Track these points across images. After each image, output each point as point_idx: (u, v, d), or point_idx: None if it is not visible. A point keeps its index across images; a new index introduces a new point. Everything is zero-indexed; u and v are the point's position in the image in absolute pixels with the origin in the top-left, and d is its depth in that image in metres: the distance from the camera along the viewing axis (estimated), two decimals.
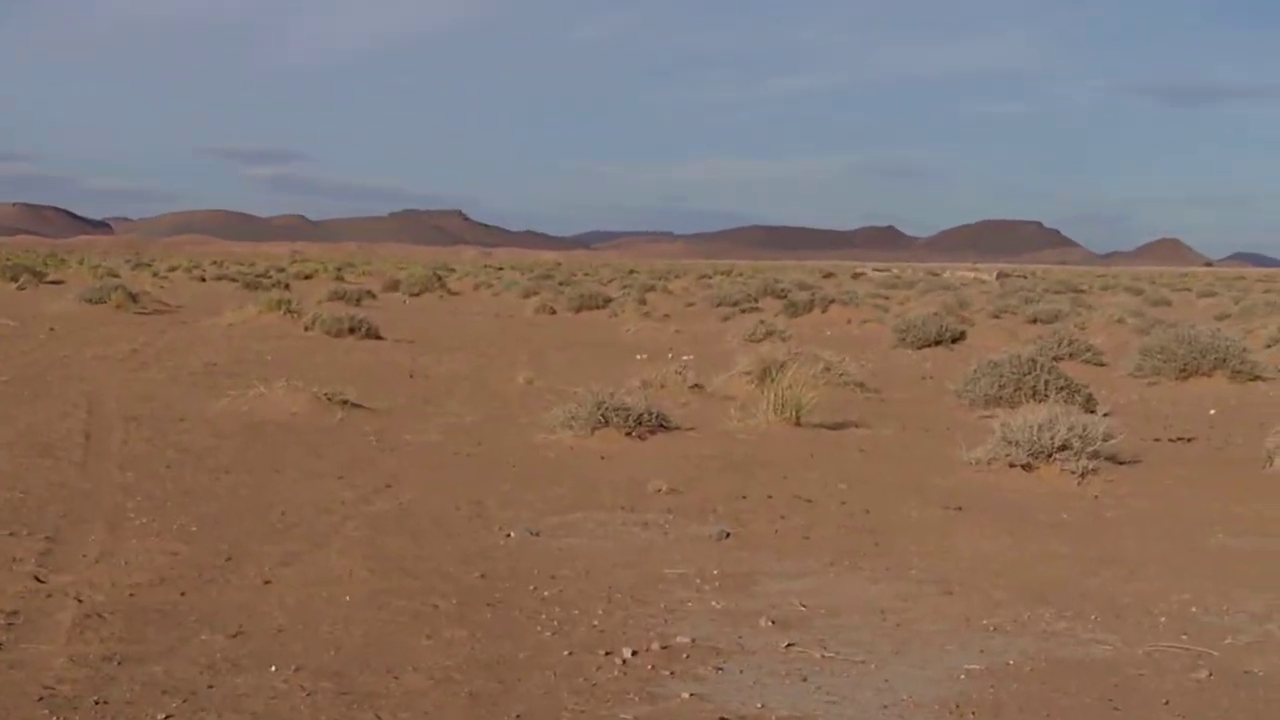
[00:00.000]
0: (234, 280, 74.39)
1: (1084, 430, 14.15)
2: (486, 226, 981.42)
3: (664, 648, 8.04)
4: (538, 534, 11.21)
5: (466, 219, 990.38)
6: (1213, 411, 21.17)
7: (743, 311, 46.21)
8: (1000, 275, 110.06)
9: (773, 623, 8.70)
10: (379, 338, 32.16)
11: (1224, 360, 24.39)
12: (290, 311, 35.44)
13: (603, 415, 15.74)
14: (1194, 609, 9.34)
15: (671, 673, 7.61)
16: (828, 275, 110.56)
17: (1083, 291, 75.60)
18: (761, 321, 34.91)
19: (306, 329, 32.49)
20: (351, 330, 31.90)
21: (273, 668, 7.39)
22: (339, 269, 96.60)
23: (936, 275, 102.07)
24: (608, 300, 49.75)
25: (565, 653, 7.91)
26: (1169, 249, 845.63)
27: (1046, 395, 18.41)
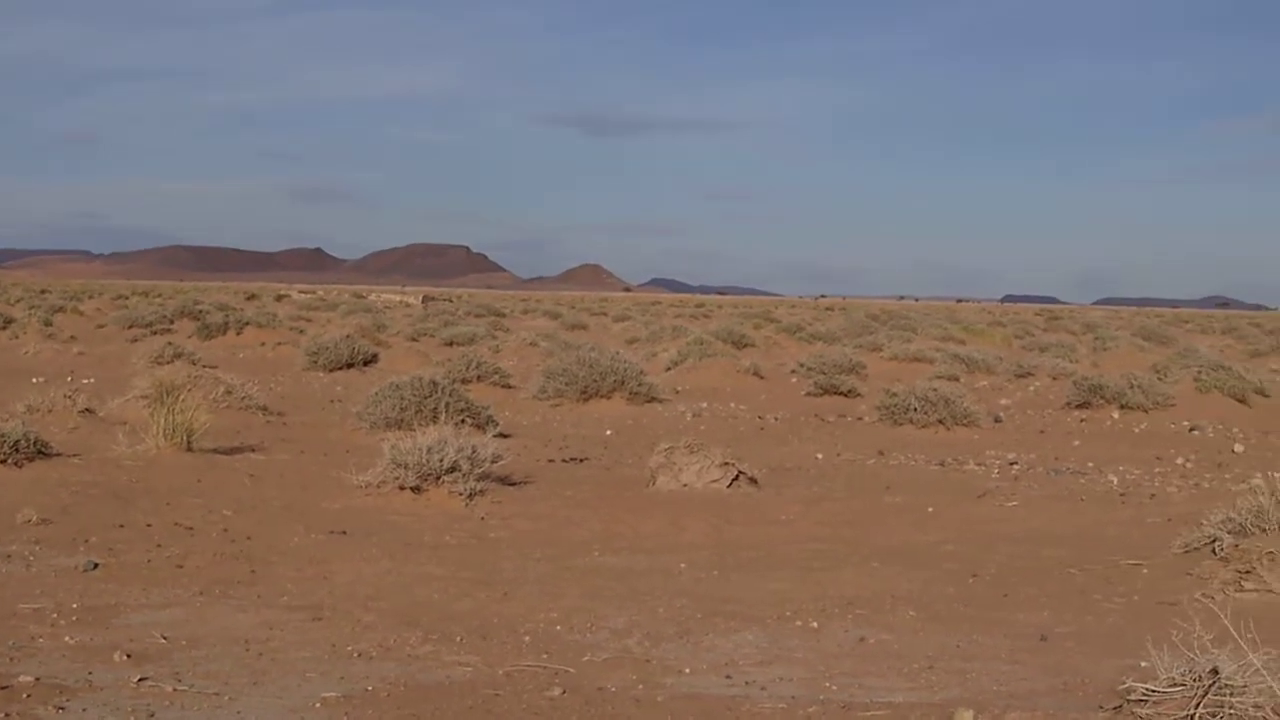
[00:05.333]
0: None
1: (473, 452, 14.29)
2: None
3: (3, 688, 7.54)
4: None
5: None
6: (609, 432, 21.87)
7: (154, 333, 44.82)
8: (426, 299, 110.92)
9: (128, 656, 8.31)
10: None
11: (622, 382, 25.29)
12: None
13: None
14: (559, 627, 9.52)
15: (6, 715, 7.14)
16: (251, 297, 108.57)
17: (504, 315, 76.94)
18: (170, 343, 33.88)
19: None
20: None
21: None
22: None
23: (362, 298, 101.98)
24: (9, 321, 47.33)
25: None
26: (591, 274, 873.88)
27: (449, 418, 18.53)
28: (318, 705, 7.51)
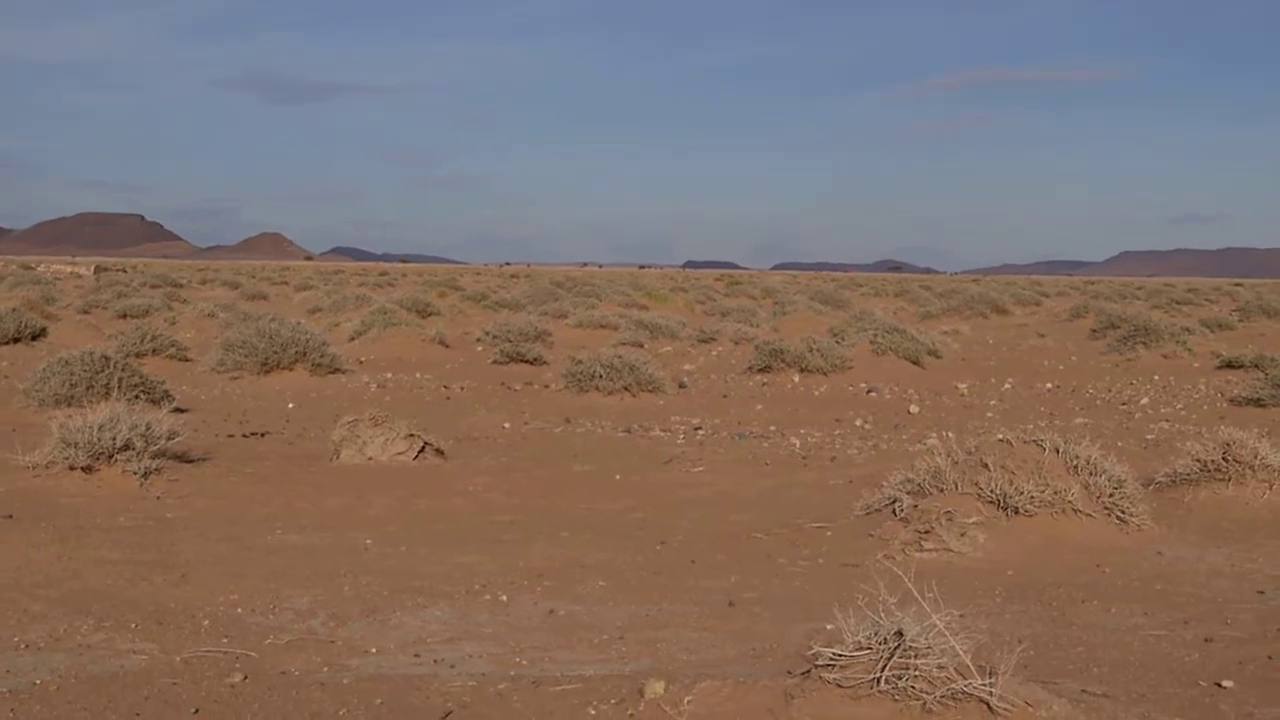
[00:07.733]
0: None
1: (147, 429, 13.76)
2: None
3: None
4: None
5: None
6: (291, 405, 21.41)
7: None
8: (98, 269, 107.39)
9: None
10: None
11: (305, 354, 24.79)
12: None
13: None
14: (240, 610, 9.20)
15: None
16: None
17: (181, 286, 74.90)
18: None
19: None
20: None
21: None
22: None
23: (30, 269, 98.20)
24: None
25: None
26: (271, 243, 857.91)
27: (122, 394, 17.88)
28: None
